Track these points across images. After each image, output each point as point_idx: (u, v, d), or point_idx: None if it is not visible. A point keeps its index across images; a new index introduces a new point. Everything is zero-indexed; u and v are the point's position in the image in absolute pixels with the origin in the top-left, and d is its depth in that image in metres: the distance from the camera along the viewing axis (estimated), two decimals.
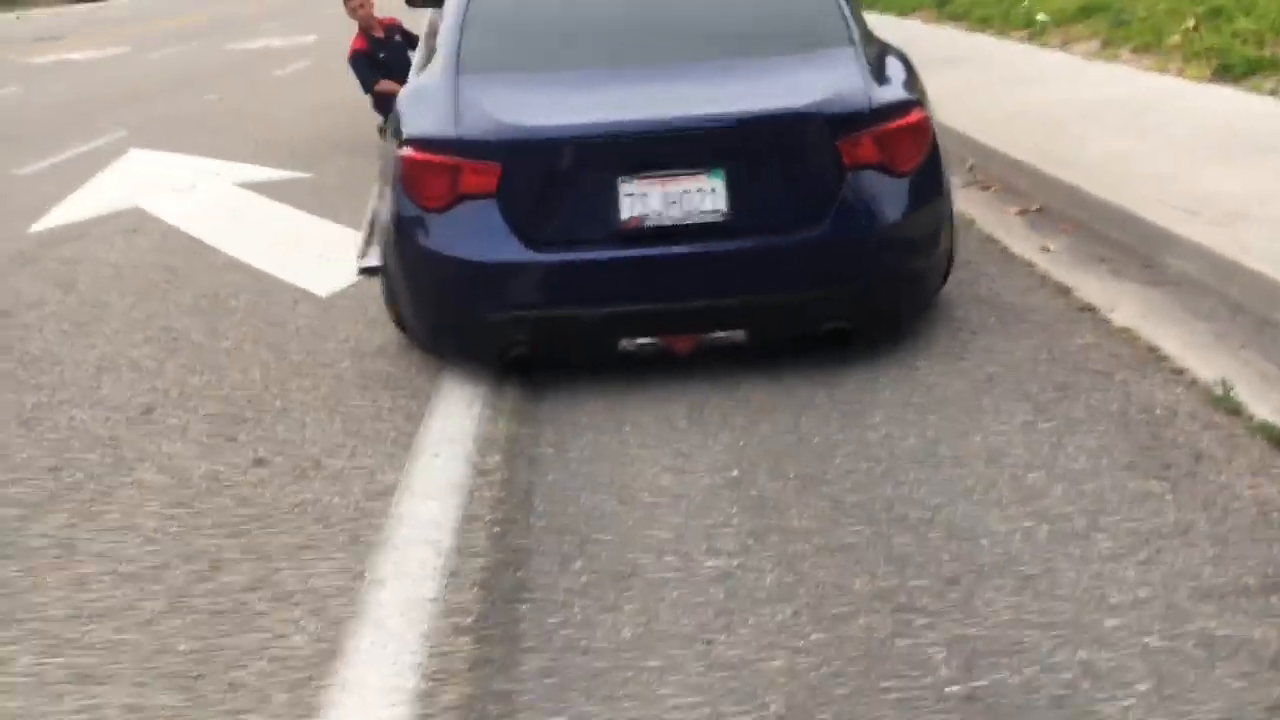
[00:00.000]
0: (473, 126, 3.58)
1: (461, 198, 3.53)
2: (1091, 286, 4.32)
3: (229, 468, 3.36)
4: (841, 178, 3.53)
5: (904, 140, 3.63)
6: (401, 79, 8.36)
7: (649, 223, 3.45)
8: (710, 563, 2.67)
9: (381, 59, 8.33)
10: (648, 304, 3.52)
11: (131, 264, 5.72)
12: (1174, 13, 9.25)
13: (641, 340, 3.60)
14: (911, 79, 3.98)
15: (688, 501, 2.97)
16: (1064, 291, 4.31)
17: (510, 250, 3.51)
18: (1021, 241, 5.02)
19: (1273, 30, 8.08)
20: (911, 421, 3.31)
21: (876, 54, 4.03)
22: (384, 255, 3.98)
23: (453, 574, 2.70)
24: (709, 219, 3.45)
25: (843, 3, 4.09)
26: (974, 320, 4.08)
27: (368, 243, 5.38)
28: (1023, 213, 5.47)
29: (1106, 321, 3.96)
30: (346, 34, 8.54)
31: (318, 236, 6.02)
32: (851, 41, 3.94)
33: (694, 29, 4.07)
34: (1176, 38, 8.74)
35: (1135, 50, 8.98)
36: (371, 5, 8.26)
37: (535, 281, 3.59)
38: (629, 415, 3.52)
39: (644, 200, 3.44)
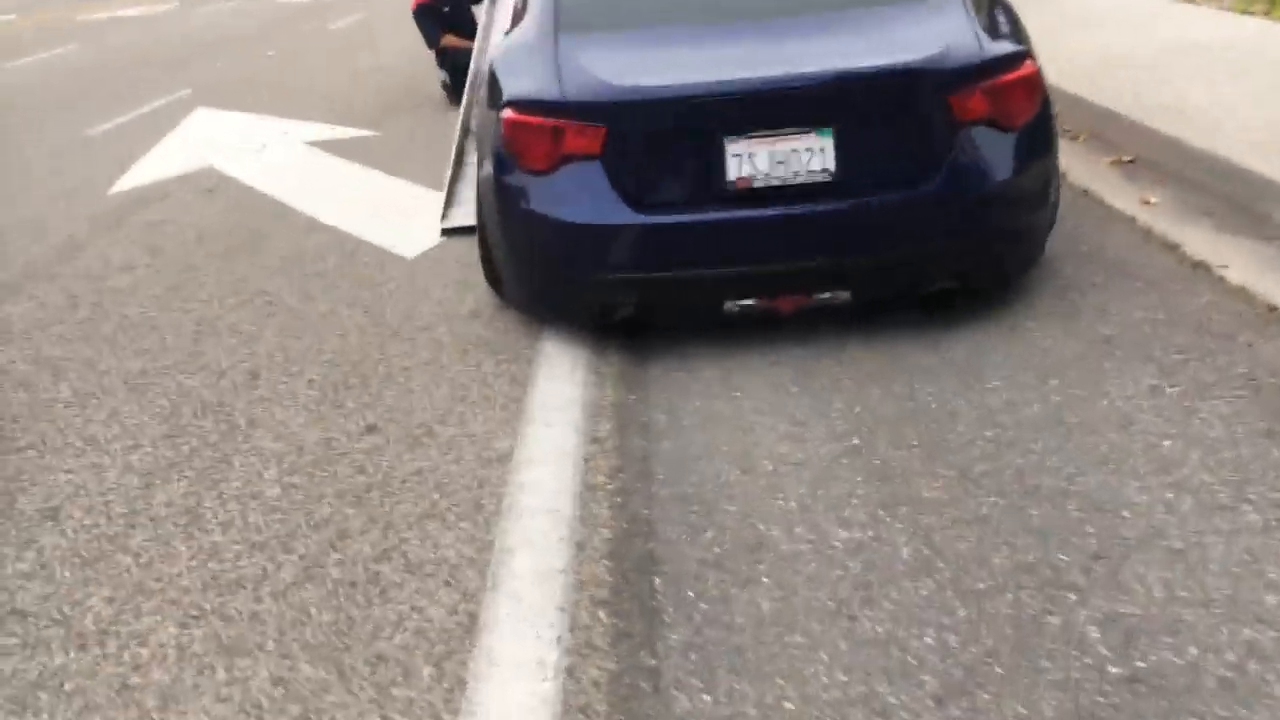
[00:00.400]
0: (577, 87, 3.51)
1: (565, 159, 3.48)
2: (1199, 242, 4.20)
3: (342, 435, 3.36)
4: (953, 134, 3.44)
5: (1017, 94, 3.53)
6: (467, 34, 8.36)
7: (757, 183, 3.39)
8: (842, 534, 2.63)
9: (446, 13, 8.27)
10: (754, 265, 3.47)
11: (214, 226, 5.74)
12: None
13: (747, 301, 3.56)
14: (1018, 28, 3.86)
15: (810, 470, 2.93)
16: (1171, 247, 4.19)
17: (616, 212, 3.46)
18: (1119, 194, 4.88)
19: None
20: (1031, 386, 3.24)
21: (983, 1, 3.91)
22: (482, 217, 3.96)
23: (579, 545, 2.69)
24: (817, 178, 3.39)
25: None
26: (1081, 278, 3.97)
27: (449, 203, 5.43)
28: (1116, 163, 5.32)
29: (1221, 279, 3.85)
30: None
31: (394, 196, 6.00)
32: None
33: None
34: None
35: None
36: None
37: (641, 244, 3.53)
38: (737, 380, 3.47)
39: (751, 160, 3.38)
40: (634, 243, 3.55)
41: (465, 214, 5.28)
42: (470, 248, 4.81)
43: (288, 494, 3.05)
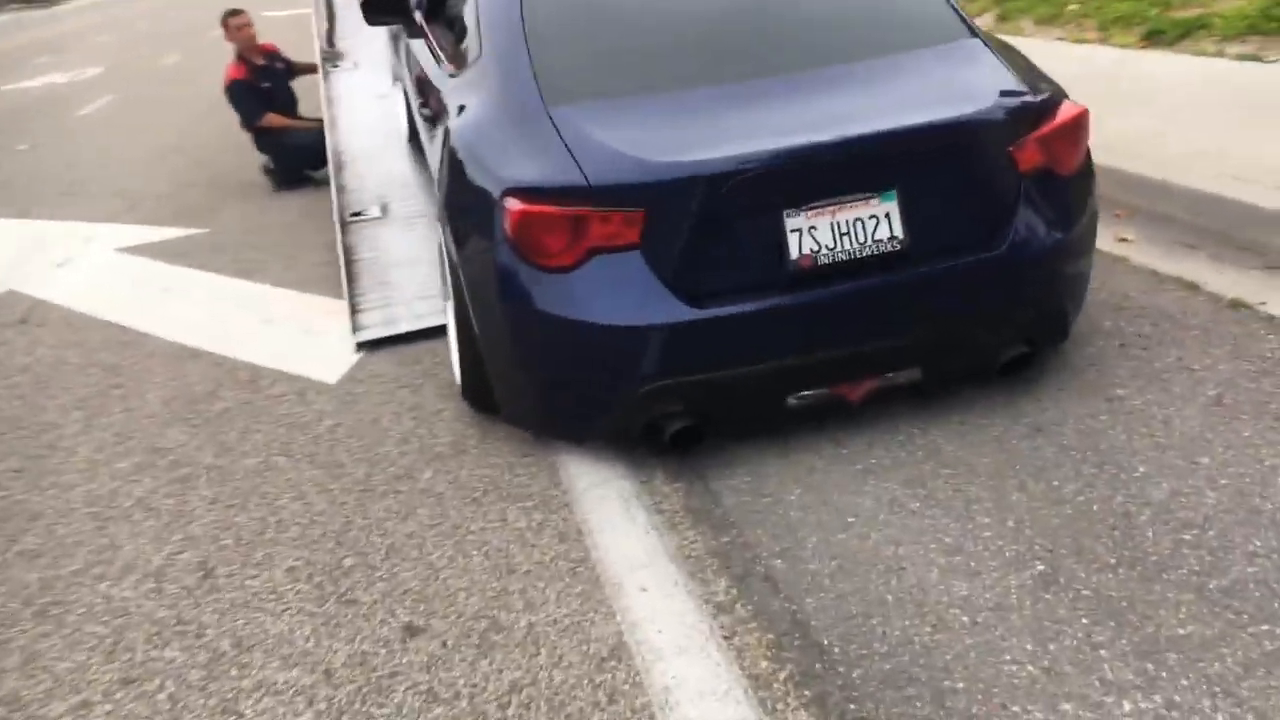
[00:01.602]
0: (602, 168, 2.90)
1: (592, 252, 2.90)
2: (1213, 278, 3.99)
3: (378, 645, 2.56)
4: (1016, 187, 3.10)
5: (1070, 138, 3.21)
6: (287, 112, 7.45)
7: (821, 259, 2.94)
8: (1126, 706, 2.10)
9: (265, 88, 7.32)
10: (823, 351, 3.02)
11: (49, 366, 4.66)
12: None
13: (811, 393, 3.08)
14: (1035, 69, 3.52)
15: (1016, 614, 2.40)
16: (1191, 286, 3.95)
17: (665, 309, 2.90)
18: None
19: None
20: (1184, 469, 2.84)
21: (998, 43, 3.55)
22: (471, 326, 3.30)
23: None
24: (885, 248, 2.97)
25: None
26: (1128, 330, 3.65)
27: (355, 309, 4.61)
28: None
29: (1273, 317, 3.61)
30: (131, 63, 7.46)
31: (265, 305, 5.09)
32: (974, 33, 3.49)
33: (790, 29, 3.48)
34: (1075, 6, 8.72)
35: (1038, 22, 8.91)
36: (253, 28, 7.24)
37: (696, 342, 2.94)
38: (838, 500, 2.91)
39: (813, 234, 2.94)
40: (688, 342, 2.94)
41: (378, 320, 4.50)
42: (404, 361, 4.08)
43: None
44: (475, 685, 2.38)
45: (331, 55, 7.25)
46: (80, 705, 2.48)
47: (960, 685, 2.21)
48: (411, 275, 4.83)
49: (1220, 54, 6.81)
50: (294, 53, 7.80)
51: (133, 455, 3.70)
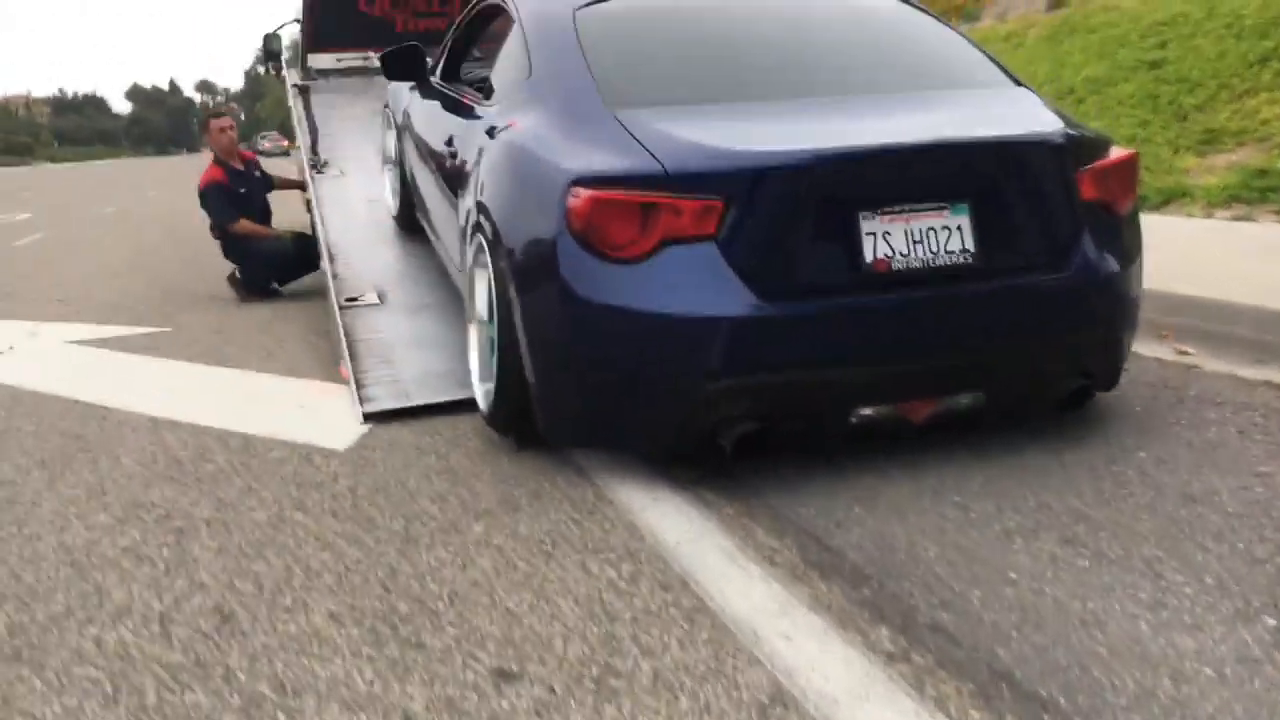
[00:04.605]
0: (680, 157, 2.82)
1: (665, 243, 2.78)
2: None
3: (464, 689, 2.04)
4: (1080, 216, 3.09)
5: (1123, 178, 3.25)
6: (260, 221, 7.11)
7: (896, 264, 2.87)
8: None
9: (241, 194, 7.00)
10: (895, 361, 2.93)
11: (1, 434, 4.06)
12: None
13: (874, 410, 2.95)
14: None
15: (1269, 667, 1.99)
16: (1261, 385, 3.74)
17: (740, 302, 2.78)
18: (1141, 347, 4.46)
19: (1146, 170, 8.37)
20: None
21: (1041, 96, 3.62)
22: (512, 331, 3.15)
23: None
24: (956, 260, 2.91)
25: (986, 52, 3.75)
26: (1239, 420, 3.40)
27: (361, 384, 4.16)
28: None
29: None
30: (63, 211, 7.23)
31: (250, 386, 4.61)
32: (1019, 81, 3.58)
33: (847, 58, 3.57)
34: None
35: None
36: (234, 132, 6.96)
37: (770, 338, 2.82)
38: (987, 558, 2.50)
39: (888, 239, 2.87)
40: (761, 338, 2.82)
41: (388, 393, 4.05)
42: (421, 430, 3.63)
43: None
44: None
45: (317, 163, 6.98)
46: None
47: None
48: (420, 356, 4.42)
49: (1210, 216, 6.94)
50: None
51: (111, 509, 3.13)
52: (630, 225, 2.81)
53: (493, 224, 3.27)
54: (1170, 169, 8.14)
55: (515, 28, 3.86)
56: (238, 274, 7.09)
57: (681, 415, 2.90)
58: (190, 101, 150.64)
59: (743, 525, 2.77)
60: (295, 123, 7.97)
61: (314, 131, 7.38)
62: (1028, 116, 3.25)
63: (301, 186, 7.52)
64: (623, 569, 2.53)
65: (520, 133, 3.31)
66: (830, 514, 2.80)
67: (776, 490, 2.98)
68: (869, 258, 2.85)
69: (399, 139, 5.73)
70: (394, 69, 4.95)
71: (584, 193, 2.83)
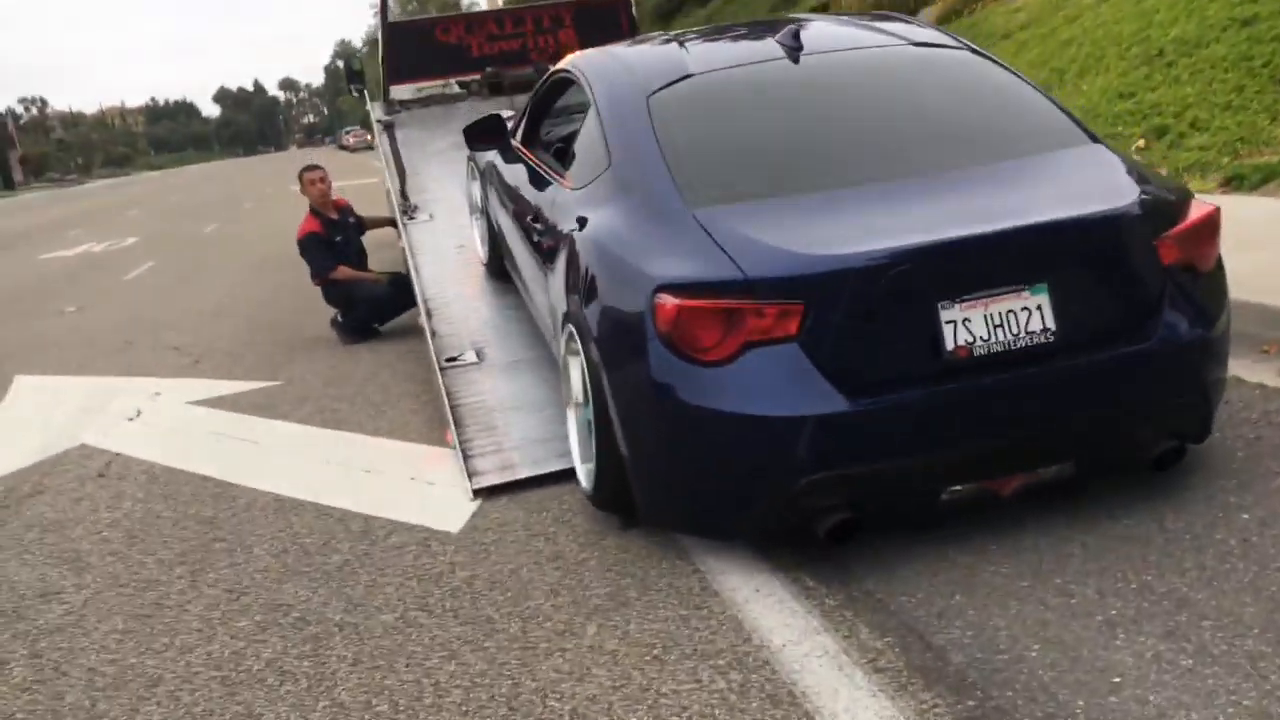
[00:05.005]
0: (760, 262, 2.95)
1: (749, 345, 2.92)
2: None
3: None
4: (1162, 281, 3.13)
5: (1207, 234, 3.25)
6: (356, 266, 7.36)
7: (976, 350, 2.94)
8: None
9: (337, 242, 7.26)
10: (980, 443, 3.02)
11: (139, 520, 4.35)
12: (1114, 135, 9.28)
13: (963, 487, 3.06)
14: (1156, 172, 3.51)
15: None
16: None
17: (825, 400, 2.90)
18: (1240, 367, 4.37)
19: (1241, 142, 8.11)
20: None
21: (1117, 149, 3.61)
22: (631, 429, 3.26)
23: None
24: (1038, 340, 2.98)
25: (1055, 99, 3.74)
26: None
27: (468, 455, 4.33)
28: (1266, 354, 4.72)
29: None
30: (169, 232, 7.48)
31: (362, 454, 4.82)
32: (1096, 139, 3.57)
33: (916, 133, 3.58)
34: (1137, 157, 8.70)
35: None
36: (327, 184, 7.22)
37: (856, 433, 2.94)
38: (1089, 658, 2.56)
39: (968, 326, 2.95)
40: (847, 433, 2.94)
41: (493, 465, 4.22)
42: (529, 508, 3.83)
43: None
44: None
45: (407, 208, 7.20)
46: None
47: None
48: (520, 420, 4.58)
49: None
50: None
51: (251, 613, 3.36)
52: (714, 330, 2.93)
53: (583, 317, 3.42)
54: (1269, 140, 7.89)
55: (592, 110, 3.96)
56: (339, 318, 7.35)
57: (773, 508, 3.04)
58: (275, 100, 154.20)
59: (846, 621, 2.86)
60: (383, 161, 8.22)
61: (402, 174, 7.61)
62: (1106, 185, 3.23)
63: (392, 223, 7.78)
64: (732, 679, 2.65)
65: (607, 231, 3.43)
66: (931, 604, 2.88)
67: (877, 575, 3.07)
68: (949, 345, 2.93)
69: (484, 189, 5.89)
70: (476, 139, 5.11)
71: (670, 299, 2.96)
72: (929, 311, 2.92)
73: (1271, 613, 2.63)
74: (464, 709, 2.68)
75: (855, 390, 2.91)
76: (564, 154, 4.39)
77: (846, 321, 2.90)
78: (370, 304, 7.24)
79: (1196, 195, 3.38)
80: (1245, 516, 3.12)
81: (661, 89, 3.73)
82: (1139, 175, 3.31)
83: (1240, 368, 4.40)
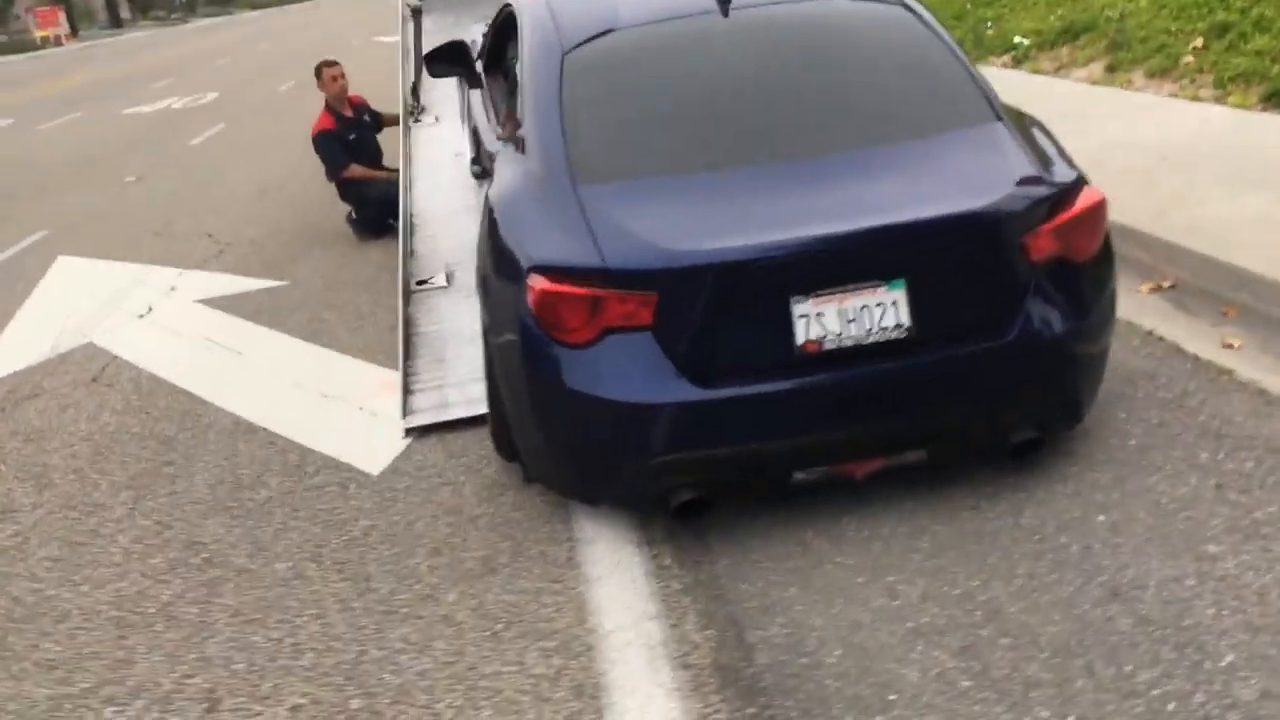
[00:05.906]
0: (621, 252, 3.01)
1: (607, 331, 3.02)
2: None
3: None
4: (1028, 276, 3.11)
5: (1088, 226, 3.20)
6: (371, 163, 7.47)
7: (827, 345, 3.00)
8: None
9: (351, 140, 7.37)
10: (829, 432, 3.11)
11: (110, 434, 4.67)
12: (1172, 31, 8.73)
13: (814, 470, 3.18)
14: (1061, 149, 3.47)
15: None
16: None
17: (675, 388, 3.01)
18: (1191, 336, 4.28)
19: None
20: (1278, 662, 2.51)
21: (1021, 126, 3.48)
22: (499, 390, 3.49)
23: None
24: (891, 335, 3.01)
25: (971, 69, 3.61)
26: (1227, 468, 3.31)
27: (407, 390, 4.50)
28: (1156, 290, 4.76)
29: None
30: (247, 88, 7.56)
31: (330, 376, 5.02)
32: (998, 116, 3.44)
33: (818, 111, 3.51)
34: (1190, 58, 8.20)
35: (1150, 75, 8.40)
36: (345, 80, 7.28)
37: (703, 421, 3.05)
38: (880, 669, 2.66)
39: (820, 321, 2.99)
40: (695, 420, 3.05)
41: (431, 403, 4.39)
42: (451, 450, 4.01)
43: None
44: None
45: (415, 109, 7.23)
46: None
47: None
48: (469, 354, 4.71)
49: None
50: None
51: (169, 549, 3.65)
52: (578, 314, 3.03)
53: (481, 285, 3.56)
54: None
55: (520, 60, 3.95)
56: (353, 215, 7.51)
57: (629, 483, 3.22)
58: None
59: (680, 608, 3.00)
60: (400, 55, 8.18)
61: (418, 70, 7.57)
62: (986, 176, 3.17)
63: None
64: (552, 664, 2.84)
65: (504, 197, 3.50)
66: (766, 595, 3.00)
67: (731, 556, 3.19)
68: (800, 340, 2.98)
69: (465, 109, 5.91)
70: (438, 65, 5.13)
71: (539, 281, 3.06)
72: (781, 306, 2.97)
73: (1069, 636, 2.68)
74: (309, 674, 2.92)
75: (706, 379, 3.00)
76: (505, 92, 4.41)
77: (699, 313, 2.98)
78: (382, 203, 7.33)
79: (1090, 183, 3.26)
80: (1101, 519, 3.13)
81: (580, 45, 3.70)
82: (1026, 163, 3.23)
83: (1188, 333, 4.32)
